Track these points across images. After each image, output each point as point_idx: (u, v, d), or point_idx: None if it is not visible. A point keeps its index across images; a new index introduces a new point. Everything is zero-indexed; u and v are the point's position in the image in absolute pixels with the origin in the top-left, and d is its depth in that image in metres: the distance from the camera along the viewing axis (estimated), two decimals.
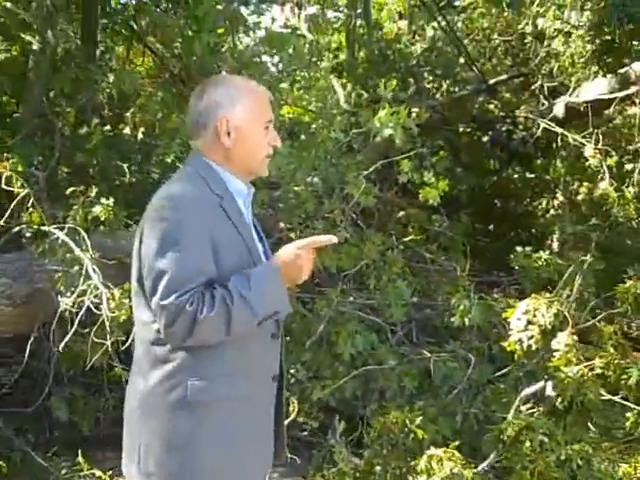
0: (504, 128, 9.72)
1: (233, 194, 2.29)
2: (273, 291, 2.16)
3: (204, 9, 5.40)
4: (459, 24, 9.94)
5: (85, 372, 5.14)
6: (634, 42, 6.67)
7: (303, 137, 6.53)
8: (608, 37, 6.74)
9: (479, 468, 3.70)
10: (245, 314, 2.08)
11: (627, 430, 3.63)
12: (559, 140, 9.01)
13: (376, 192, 5.72)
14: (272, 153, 2.37)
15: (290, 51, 7.84)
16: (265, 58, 7.35)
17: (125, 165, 6.18)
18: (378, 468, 3.66)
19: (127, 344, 4.35)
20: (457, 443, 3.82)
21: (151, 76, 7.39)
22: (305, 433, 5.10)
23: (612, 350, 3.68)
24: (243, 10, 6.92)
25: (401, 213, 7.72)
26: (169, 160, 6.10)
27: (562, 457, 3.21)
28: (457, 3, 11.67)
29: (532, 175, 10.08)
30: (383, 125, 5.03)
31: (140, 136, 6.18)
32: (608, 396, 3.62)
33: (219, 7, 5.78)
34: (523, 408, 4.03)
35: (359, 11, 12.91)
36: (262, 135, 2.31)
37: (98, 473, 4.53)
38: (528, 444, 3.27)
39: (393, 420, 3.62)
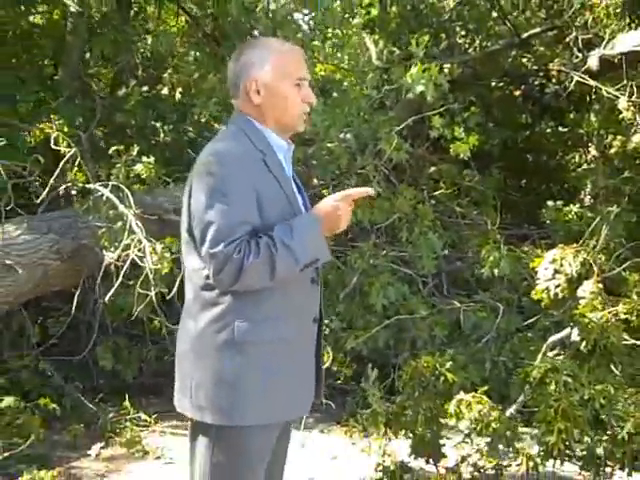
0: (537, 82, 9.70)
1: (274, 149, 2.42)
2: (314, 239, 2.30)
3: None
4: None
5: (128, 324, 5.40)
6: None
7: (335, 94, 6.60)
8: None
9: (507, 412, 3.87)
10: (288, 261, 2.23)
11: None
12: (593, 93, 9.03)
13: (408, 148, 5.81)
14: (308, 110, 2.49)
15: (322, 8, 7.87)
16: (297, 15, 7.41)
17: (160, 125, 6.36)
18: (409, 411, 3.83)
19: (169, 296, 4.56)
20: (485, 388, 3.98)
21: (185, 36, 7.49)
22: (339, 381, 5.30)
23: (636, 297, 3.80)
24: None
25: (432, 168, 7.78)
26: (204, 119, 6.23)
27: (585, 397, 3.36)
28: None
29: (565, 129, 10.06)
30: (415, 82, 5.11)
31: (178, 96, 6.31)
32: (632, 340, 3.76)
33: None
34: (550, 354, 4.17)
35: None
36: (293, 92, 2.42)
37: (144, 416, 4.78)
38: (553, 386, 3.43)
39: (425, 364, 3.78)
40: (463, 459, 3.99)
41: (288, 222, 2.29)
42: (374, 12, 11.10)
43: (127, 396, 4.83)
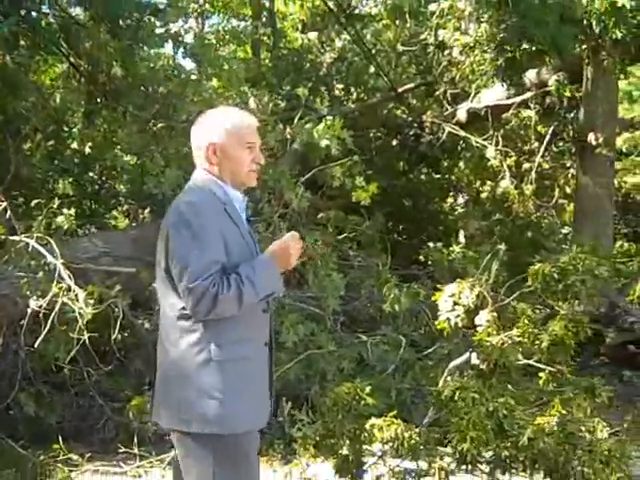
0: (412, 132, 10.39)
1: (232, 200, 2.83)
2: (271, 276, 2.76)
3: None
4: (368, 36, 10.53)
5: (48, 371, 5.50)
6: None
7: None
8: (509, 54, 7.45)
9: (422, 425, 4.31)
10: (252, 294, 2.65)
11: (540, 387, 4.31)
12: (463, 143, 9.83)
13: (307, 196, 6.26)
14: (257, 168, 2.90)
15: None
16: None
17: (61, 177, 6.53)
18: (335, 433, 4.20)
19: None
20: (394, 413, 4.40)
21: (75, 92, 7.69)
22: None
23: (527, 322, 4.35)
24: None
25: (320, 214, 8.21)
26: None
27: (490, 409, 3.86)
28: (357, 11, 12.36)
29: (439, 176, 10.83)
30: (320, 136, 5.59)
31: (87, 150, 6.54)
32: (525, 360, 4.30)
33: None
34: (449, 379, 4.64)
35: (264, 20, 13.42)
36: (244, 155, 2.84)
37: (74, 457, 4.92)
38: (461, 402, 3.90)
39: (346, 390, 4.19)
40: (378, 478, 4.40)
41: (250, 262, 2.72)
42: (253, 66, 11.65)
43: (59, 438, 4.95)
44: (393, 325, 6.02)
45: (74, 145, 6.64)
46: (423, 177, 10.91)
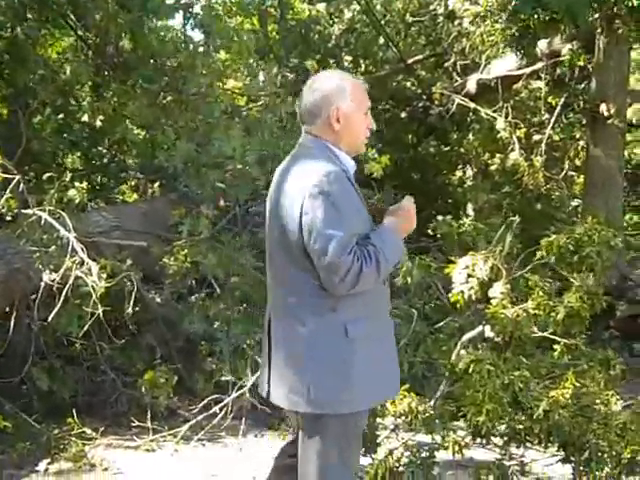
0: (421, 105, 10.34)
1: (348, 168, 2.78)
2: (397, 245, 2.73)
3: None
4: (377, 6, 10.41)
5: (61, 345, 5.54)
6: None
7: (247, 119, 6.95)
8: (522, 23, 7.37)
9: (434, 398, 4.32)
10: (386, 265, 2.64)
11: (555, 360, 4.30)
12: (472, 114, 9.75)
13: None
14: (368, 135, 2.88)
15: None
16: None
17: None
18: None
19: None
20: (407, 386, 4.40)
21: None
22: None
23: (542, 293, 4.33)
24: None
25: None
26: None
27: (506, 382, 3.86)
28: None
29: (448, 148, 10.76)
30: None
31: (98, 123, 6.51)
32: (540, 333, 4.29)
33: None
34: (462, 352, 4.64)
35: None
36: (363, 120, 2.81)
37: (88, 431, 4.95)
38: (476, 375, 3.90)
39: None
40: (391, 452, 4.40)
41: (378, 232, 2.71)
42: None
43: (73, 412, 4.97)
44: (405, 298, 5.99)
45: (84, 118, 6.60)
46: (432, 150, 10.84)
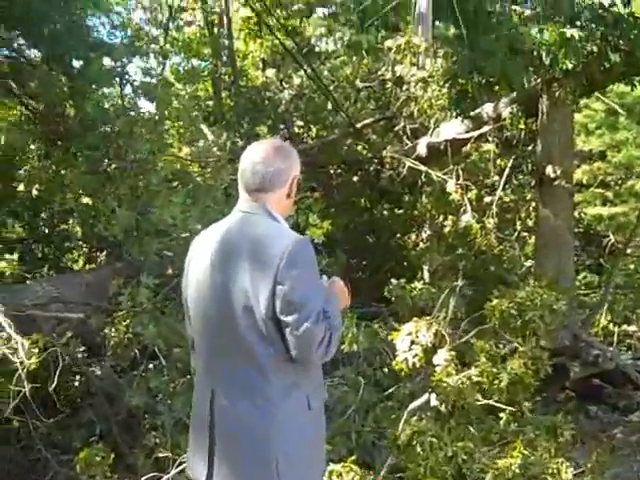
0: (372, 168, 10.36)
1: None
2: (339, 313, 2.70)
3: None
4: (325, 72, 10.51)
5: None
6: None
7: (190, 186, 6.86)
8: (461, 87, 7.44)
9: (378, 473, 4.14)
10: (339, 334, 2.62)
11: (502, 428, 4.16)
12: (424, 177, 9.76)
13: None
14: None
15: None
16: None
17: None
18: None
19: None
20: (354, 458, 4.24)
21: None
22: None
23: (485, 360, 4.23)
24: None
25: None
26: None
27: (449, 454, 3.71)
28: (317, 49, 12.41)
29: (401, 211, 10.75)
30: None
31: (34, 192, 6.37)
32: (484, 401, 4.16)
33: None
34: (411, 420, 4.50)
35: (224, 59, 13.38)
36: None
37: None
38: (419, 447, 3.75)
39: None
40: None
41: (330, 301, 2.64)
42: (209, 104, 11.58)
43: None
44: (353, 365, 5.85)
45: (20, 188, 6.46)
46: (385, 213, 10.84)
